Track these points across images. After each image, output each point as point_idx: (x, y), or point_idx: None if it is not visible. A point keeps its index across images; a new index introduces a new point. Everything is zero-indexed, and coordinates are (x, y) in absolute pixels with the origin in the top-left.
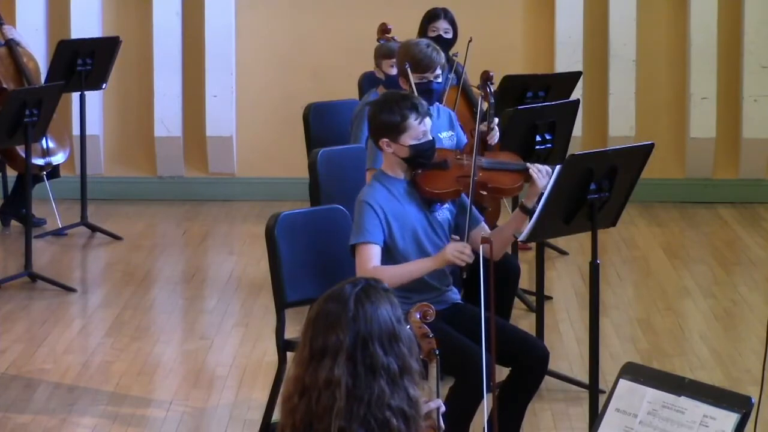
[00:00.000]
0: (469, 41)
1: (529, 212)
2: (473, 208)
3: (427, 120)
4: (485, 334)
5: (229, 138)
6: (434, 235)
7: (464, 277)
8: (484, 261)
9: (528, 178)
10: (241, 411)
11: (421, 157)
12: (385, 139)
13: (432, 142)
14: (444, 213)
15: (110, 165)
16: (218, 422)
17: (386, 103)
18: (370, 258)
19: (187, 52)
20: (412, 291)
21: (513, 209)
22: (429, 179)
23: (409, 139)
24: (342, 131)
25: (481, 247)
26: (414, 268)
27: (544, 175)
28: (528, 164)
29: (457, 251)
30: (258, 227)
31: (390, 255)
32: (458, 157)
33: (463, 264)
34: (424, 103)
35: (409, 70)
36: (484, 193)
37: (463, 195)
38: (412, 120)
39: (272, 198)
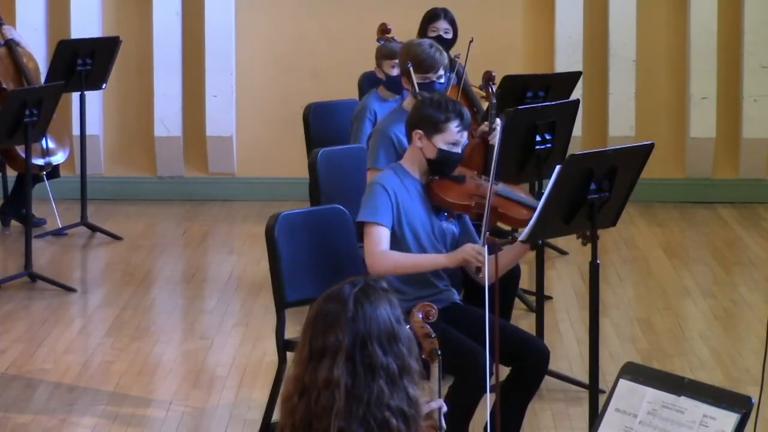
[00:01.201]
0: (470, 41)
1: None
2: (472, 229)
3: (465, 134)
4: (485, 335)
5: (229, 138)
6: (435, 240)
7: (480, 275)
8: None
9: None
10: (241, 411)
11: (445, 165)
12: (420, 131)
13: (460, 156)
14: (450, 226)
15: (110, 165)
16: (218, 422)
17: (436, 101)
18: (380, 240)
19: (187, 52)
20: (409, 287)
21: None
22: (443, 187)
23: (441, 142)
24: (342, 131)
25: (485, 250)
26: (425, 262)
27: None
28: None
29: (475, 251)
30: (258, 227)
31: (393, 240)
32: (475, 177)
33: (479, 264)
34: (470, 117)
35: (411, 70)
36: (492, 216)
37: (467, 218)
38: (453, 125)
39: (272, 198)
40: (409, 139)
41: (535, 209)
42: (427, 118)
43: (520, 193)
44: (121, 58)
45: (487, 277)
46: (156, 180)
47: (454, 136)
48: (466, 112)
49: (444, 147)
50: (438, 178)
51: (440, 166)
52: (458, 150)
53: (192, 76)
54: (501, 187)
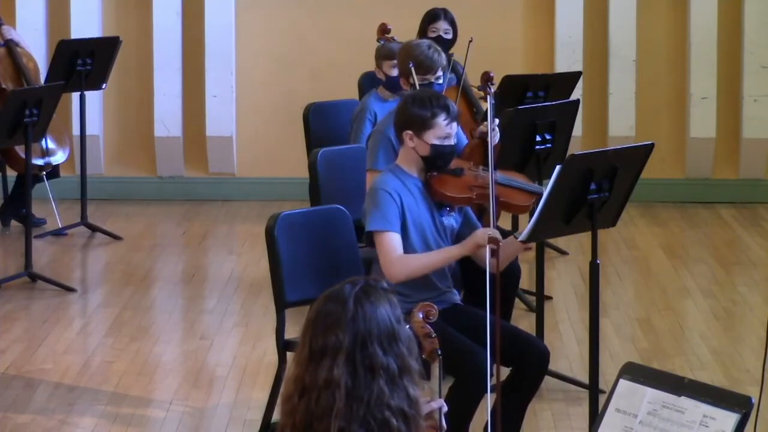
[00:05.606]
0: (470, 41)
1: None
2: (474, 218)
3: (455, 125)
4: (485, 335)
5: (229, 138)
6: (439, 238)
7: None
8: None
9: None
10: (241, 411)
11: (440, 159)
12: (410, 132)
13: (453, 147)
14: (450, 220)
15: (110, 165)
16: (218, 422)
17: (420, 98)
18: (395, 247)
19: (187, 52)
20: (412, 290)
21: (512, 220)
22: (443, 182)
23: (432, 137)
24: (342, 131)
25: (488, 248)
26: (441, 256)
27: None
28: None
29: (487, 233)
30: (258, 227)
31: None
32: (472, 168)
33: (495, 248)
34: (455, 107)
35: (412, 70)
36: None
37: (468, 209)
38: (441, 119)
39: (272, 198)
40: (401, 141)
41: (536, 194)
42: (413, 118)
43: (519, 179)
44: (121, 58)
45: (488, 268)
46: (156, 180)
47: (444, 130)
48: (451, 103)
49: (436, 142)
50: (436, 174)
51: (436, 161)
52: (451, 142)
53: (192, 76)
54: (500, 175)
